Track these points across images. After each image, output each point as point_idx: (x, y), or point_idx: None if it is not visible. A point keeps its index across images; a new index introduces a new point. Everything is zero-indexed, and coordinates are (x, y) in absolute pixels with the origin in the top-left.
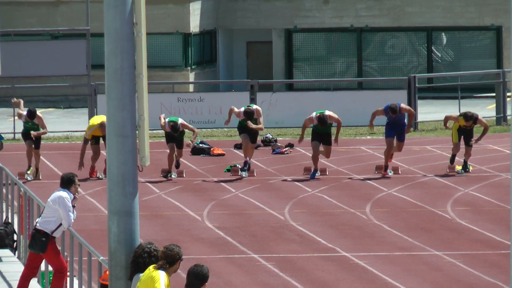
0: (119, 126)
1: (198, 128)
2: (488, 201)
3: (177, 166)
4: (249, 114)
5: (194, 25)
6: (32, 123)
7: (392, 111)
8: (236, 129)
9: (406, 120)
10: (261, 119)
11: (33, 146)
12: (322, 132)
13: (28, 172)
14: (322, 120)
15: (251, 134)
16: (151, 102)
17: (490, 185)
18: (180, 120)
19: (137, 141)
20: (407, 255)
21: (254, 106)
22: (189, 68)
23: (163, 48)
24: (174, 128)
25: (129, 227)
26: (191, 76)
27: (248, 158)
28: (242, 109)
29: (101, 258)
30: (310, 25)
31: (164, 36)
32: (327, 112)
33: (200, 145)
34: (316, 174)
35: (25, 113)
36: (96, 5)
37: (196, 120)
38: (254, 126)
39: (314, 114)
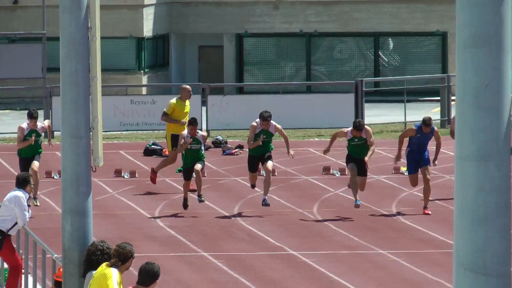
0: (73, 127)
1: (150, 130)
2: (432, 202)
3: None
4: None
5: (148, 30)
6: None
7: (425, 124)
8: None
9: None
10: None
11: None
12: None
13: None
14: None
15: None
16: (105, 104)
17: (434, 186)
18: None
19: (91, 142)
20: (353, 254)
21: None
22: (142, 71)
23: (117, 52)
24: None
25: (83, 225)
26: (144, 79)
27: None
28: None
29: (55, 255)
30: (260, 30)
31: (118, 40)
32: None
33: (153, 146)
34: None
35: None
36: (52, 9)
37: (148, 122)
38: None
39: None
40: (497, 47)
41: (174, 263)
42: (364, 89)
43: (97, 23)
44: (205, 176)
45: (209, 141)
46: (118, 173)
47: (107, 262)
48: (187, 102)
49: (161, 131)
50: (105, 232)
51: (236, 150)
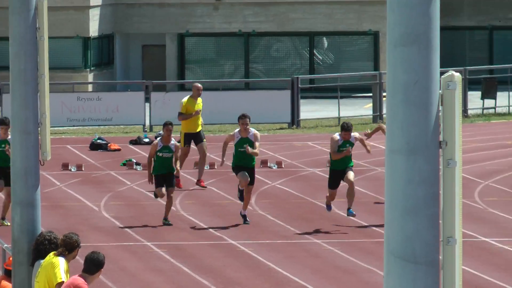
0: (22, 123)
1: (96, 126)
2: (365, 193)
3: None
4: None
5: (93, 30)
6: None
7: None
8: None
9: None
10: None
11: None
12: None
13: None
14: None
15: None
16: (52, 101)
17: (367, 179)
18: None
19: (39, 137)
20: (289, 243)
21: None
22: (88, 69)
23: (64, 51)
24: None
25: (31, 217)
26: (90, 77)
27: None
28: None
29: (5, 245)
30: (201, 30)
31: (65, 39)
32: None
33: (98, 141)
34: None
35: None
36: (2, 10)
37: (94, 118)
38: (250, 150)
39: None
40: (425, 46)
41: (119, 252)
42: (299, 85)
43: (45, 24)
44: (181, 187)
45: (152, 135)
46: (65, 166)
47: (54, 252)
48: (199, 100)
49: (106, 127)
50: (53, 223)
51: (178, 143)
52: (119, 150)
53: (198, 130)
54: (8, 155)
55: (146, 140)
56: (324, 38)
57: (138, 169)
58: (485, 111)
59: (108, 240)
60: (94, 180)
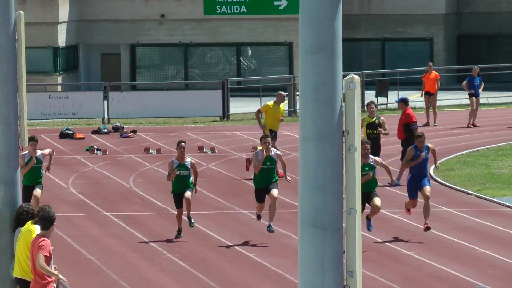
0: (5, 116)
1: (64, 119)
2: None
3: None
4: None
5: (61, 41)
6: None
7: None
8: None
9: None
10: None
11: None
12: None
13: None
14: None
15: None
16: (29, 99)
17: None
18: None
19: (19, 128)
20: (221, 213)
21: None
22: (57, 73)
23: (38, 58)
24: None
25: (13, 192)
26: (59, 79)
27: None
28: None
29: None
30: (148, 41)
31: (39, 49)
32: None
33: (66, 131)
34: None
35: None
36: None
37: (62, 113)
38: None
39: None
40: (331, 54)
41: (83, 221)
42: (229, 86)
43: (22, 36)
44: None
45: (109, 126)
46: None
47: (31, 220)
48: (281, 106)
49: (72, 119)
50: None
51: (131, 134)
52: (83, 138)
53: (277, 129)
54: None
55: (105, 130)
56: (248, 48)
57: (99, 153)
58: (378, 107)
59: (74, 211)
60: (63, 163)
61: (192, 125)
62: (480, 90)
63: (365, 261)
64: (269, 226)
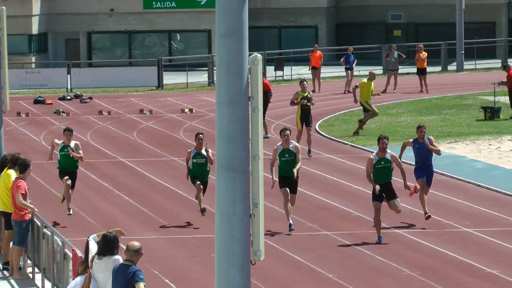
0: None
1: (37, 89)
2: (205, 130)
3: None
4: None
5: (35, 30)
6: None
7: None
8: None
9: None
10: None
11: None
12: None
13: None
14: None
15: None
16: (10, 74)
17: (206, 120)
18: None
19: (2, 95)
20: (155, 160)
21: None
22: (32, 54)
23: (17, 43)
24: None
25: None
26: (33, 59)
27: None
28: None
29: None
30: (101, 29)
31: (17, 36)
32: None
33: (39, 98)
34: None
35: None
36: None
37: (36, 84)
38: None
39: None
40: (240, 37)
41: (52, 167)
42: (162, 64)
43: (4, 25)
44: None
45: (72, 94)
46: (18, 114)
47: (7, 166)
48: (372, 83)
49: (43, 89)
50: (12, 149)
51: (88, 100)
52: (51, 104)
53: (370, 100)
54: (73, 157)
55: (68, 97)
56: (178, 34)
57: (63, 115)
58: (277, 78)
59: (45, 159)
60: (36, 122)
61: (135, 93)
62: (353, 65)
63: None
64: (290, 224)
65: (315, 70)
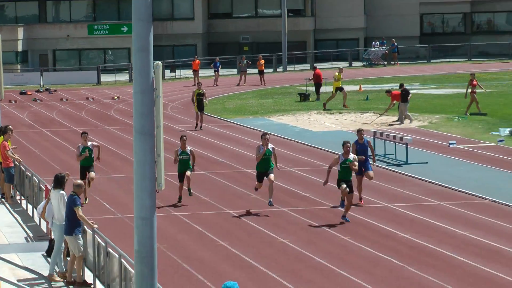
0: None
1: (22, 85)
2: (128, 110)
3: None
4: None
5: (20, 48)
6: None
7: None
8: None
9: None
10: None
11: None
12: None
13: None
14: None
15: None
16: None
17: (128, 103)
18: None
19: None
20: (97, 129)
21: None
22: (18, 63)
23: (8, 56)
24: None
25: None
26: (19, 66)
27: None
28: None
29: None
30: (62, 48)
31: (9, 52)
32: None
33: (23, 91)
34: None
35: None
36: None
37: (21, 82)
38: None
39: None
40: (148, 52)
41: (32, 134)
42: (100, 69)
43: (0, 47)
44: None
45: (44, 88)
46: (9, 101)
47: None
48: (340, 74)
49: (26, 86)
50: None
51: (54, 91)
52: (30, 94)
53: None
54: (90, 156)
55: (41, 90)
56: (109, 50)
57: (38, 101)
58: (171, 77)
59: (26, 129)
60: (22, 106)
61: (83, 87)
62: (219, 68)
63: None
64: (270, 201)
65: (195, 72)
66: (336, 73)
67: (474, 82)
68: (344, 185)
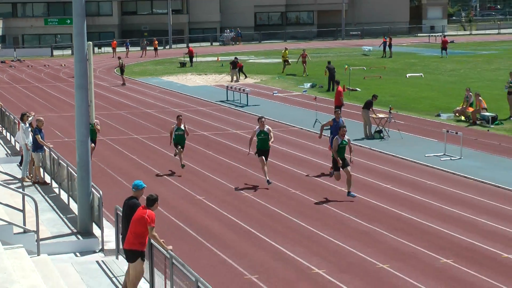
0: None
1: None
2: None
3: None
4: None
5: (0, 33)
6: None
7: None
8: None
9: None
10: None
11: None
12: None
13: None
14: None
15: (266, 155)
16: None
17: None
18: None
19: None
20: (52, 85)
21: (266, 127)
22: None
23: None
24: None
25: None
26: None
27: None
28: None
29: None
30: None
31: None
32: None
33: (2, 61)
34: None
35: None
36: None
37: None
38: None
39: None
40: (82, 36)
41: (9, 88)
42: (53, 46)
43: None
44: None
45: (17, 59)
46: None
47: None
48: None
49: (3, 57)
50: None
51: (23, 61)
52: (7, 63)
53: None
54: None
55: (14, 61)
56: (59, 35)
57: (13, 68)
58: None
59: (6, 85)
60: (1, 70)
61: (42, 58)
62: (129, 46)
63: None
64: (268, 180)
65: (114, 49)
66: (283, 51)
67: (304, 54)
68: (340, 166)
